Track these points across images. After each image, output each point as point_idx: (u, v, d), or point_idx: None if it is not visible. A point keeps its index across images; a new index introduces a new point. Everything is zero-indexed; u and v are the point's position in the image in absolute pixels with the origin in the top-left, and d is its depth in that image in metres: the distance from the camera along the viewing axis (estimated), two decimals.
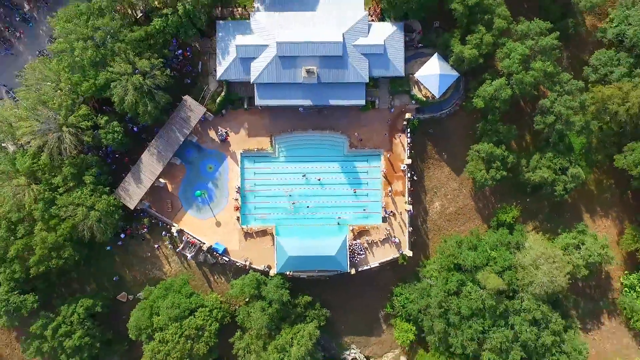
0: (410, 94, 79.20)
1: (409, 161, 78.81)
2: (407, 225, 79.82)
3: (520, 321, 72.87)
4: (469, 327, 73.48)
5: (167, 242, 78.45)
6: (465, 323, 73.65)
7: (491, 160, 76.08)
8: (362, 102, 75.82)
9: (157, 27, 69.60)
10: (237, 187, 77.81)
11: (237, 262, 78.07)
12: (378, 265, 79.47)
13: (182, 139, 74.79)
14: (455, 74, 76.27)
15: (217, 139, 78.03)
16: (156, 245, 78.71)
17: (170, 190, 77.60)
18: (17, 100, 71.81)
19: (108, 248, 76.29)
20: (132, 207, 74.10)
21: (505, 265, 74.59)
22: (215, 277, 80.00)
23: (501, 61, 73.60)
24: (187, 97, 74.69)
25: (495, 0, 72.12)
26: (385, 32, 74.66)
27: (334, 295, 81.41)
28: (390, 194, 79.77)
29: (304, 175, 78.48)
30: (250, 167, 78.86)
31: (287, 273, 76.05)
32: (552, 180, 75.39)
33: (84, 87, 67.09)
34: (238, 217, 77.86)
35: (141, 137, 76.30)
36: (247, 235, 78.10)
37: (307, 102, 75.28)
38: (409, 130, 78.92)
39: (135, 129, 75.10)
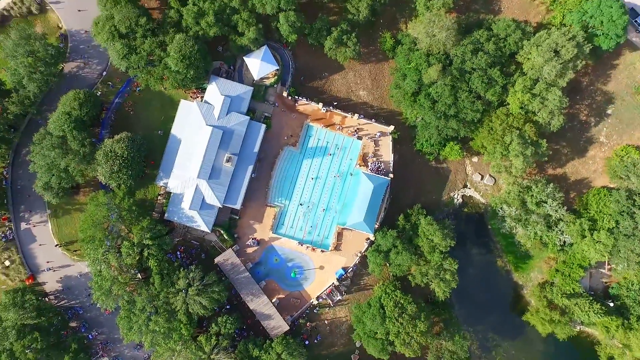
0: (269, 86, 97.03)
1: (320, 104, 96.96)
2: (370, 121, 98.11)
3: (471, 60, 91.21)
4: (463, 100, 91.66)
5: (324, 310, 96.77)
6: (460, 103, 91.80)
7: (340, 40, 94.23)
8: (263, 125, 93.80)
9: (154, 265, 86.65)
10: (298, 244, 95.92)
11: (355, 264, 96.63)
12: (393, 154, 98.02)
13: (247, 273, 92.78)
14: (263, 48, 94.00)
15: (255, 247, 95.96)
16: (324, 321, 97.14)
17: (284, 295, 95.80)
18: None
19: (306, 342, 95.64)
20: (289, 327, 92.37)
21: (424, 58, 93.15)
22: (362, 282, 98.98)
23: (262, 8, 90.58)
24: (217, 259, 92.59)
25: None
26: (215, 91, 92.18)
27: (407, 197, 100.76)
28: (341, 127, 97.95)
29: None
30: (285, 229, 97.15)
31: (376, 226, 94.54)
32: None
33: (185, 332, 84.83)
34: (322, 250, 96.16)
35: (234, 304, 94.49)
36: (337, 248, 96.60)
37: (250, 168, 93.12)
38: (296, 96, 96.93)
39: (227, 306, 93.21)
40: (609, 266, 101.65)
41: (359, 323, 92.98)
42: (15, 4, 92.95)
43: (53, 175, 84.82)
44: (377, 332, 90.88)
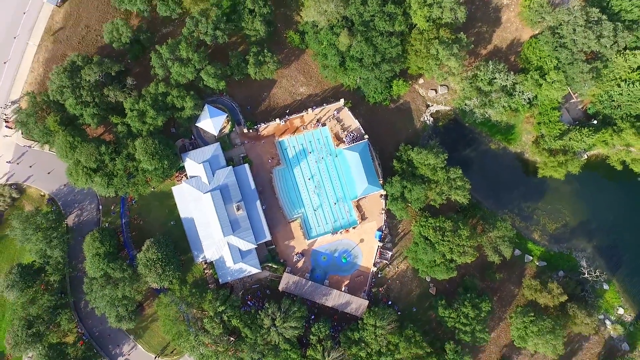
0: (229, 132, 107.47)
1: (277, 120, 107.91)
2: (322, 106, 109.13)
3: (366, 10, 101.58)
4: (381, 44, 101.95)
5: (386, 271, 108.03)
6: (380, 48, 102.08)
7: (259, 62, 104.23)
8: (246, 165, 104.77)
9: (237, 323, 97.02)
10: (332, 235, 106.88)
11: (384, 220, 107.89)
12: (356, 120, 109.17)
13: (310, 282, 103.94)
14: (205, 108, 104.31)
15: (303, 259, 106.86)
16: (391, 278, 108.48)
17: (348, 280, 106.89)
18: None
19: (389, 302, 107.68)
20: (368, 301, 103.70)
21: (330, 33, 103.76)
22: (400, 230, 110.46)
23: (184, 78, 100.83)
24: (280, 287, 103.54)
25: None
26: (193, 164, 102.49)
27: (389, 145, 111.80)
28: (304, 126, 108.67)
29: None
30: (314, 231, 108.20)
31: (381, 181, 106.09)
32: None
33: (294, 355, 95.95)
34: (354, 227, 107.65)
35: (316, 312, 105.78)
36: (363, 218, 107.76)
37: (258, 203, 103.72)
38: (255, 126, 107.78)
39: (312, 317, 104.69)
40: (575, 94, 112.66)
41: (418, 262, 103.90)
42: None
43: (118, 307, 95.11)
44: (435, 260, 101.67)
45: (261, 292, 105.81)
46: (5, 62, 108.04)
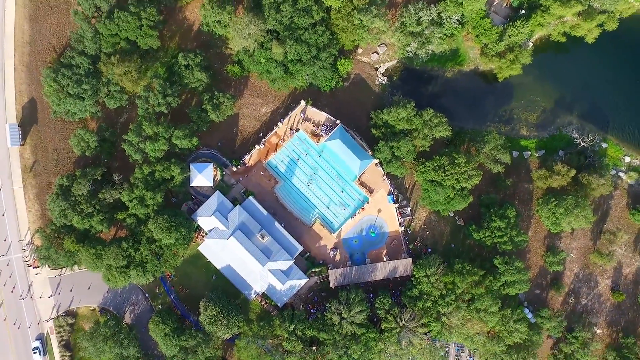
0: (223, 177, 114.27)
1: (256, 146, 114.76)
2: (288, 115, 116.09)
3: (283, 16, 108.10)
4: (310, 38, 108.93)
5: (413, 224, 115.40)
6: (311, 42, 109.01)
7: (215, 106, 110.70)
8: (250, 197, 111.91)
9: (312, 332, 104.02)
10: (352, 219, 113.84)
11: (390, 184, 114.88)
12: (323, 112, 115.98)
13: (354, 266, 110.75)
14: (190, 167, 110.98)
15: (338, 251, 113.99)
16: (421, 223, 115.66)
17: (385, 250, 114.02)
18: None
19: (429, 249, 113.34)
20: (411, 257, 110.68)
21: (263, 51, 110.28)
22: (407, 185, 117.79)
23: (159, 152, 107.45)
24: (331, 284, 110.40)
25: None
26: (205, 219, 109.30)
27: (361, 119, 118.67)
28: (282, 140, 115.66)
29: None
30: (335, 223, 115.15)
31: (370, 152, 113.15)
32: None
33: (372, 335, 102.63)
34: (367, 202, 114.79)
35: (371, 289, 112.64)
36: (371, 191, 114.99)
37: (276, 224, 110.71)
38: (240, 161, 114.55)
39: (371, 295, 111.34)
40: None
41: (435, 204, 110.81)
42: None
43: None
44: (448, 195, 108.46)
45: (318, 297, 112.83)
46: (2, 215, 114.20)
